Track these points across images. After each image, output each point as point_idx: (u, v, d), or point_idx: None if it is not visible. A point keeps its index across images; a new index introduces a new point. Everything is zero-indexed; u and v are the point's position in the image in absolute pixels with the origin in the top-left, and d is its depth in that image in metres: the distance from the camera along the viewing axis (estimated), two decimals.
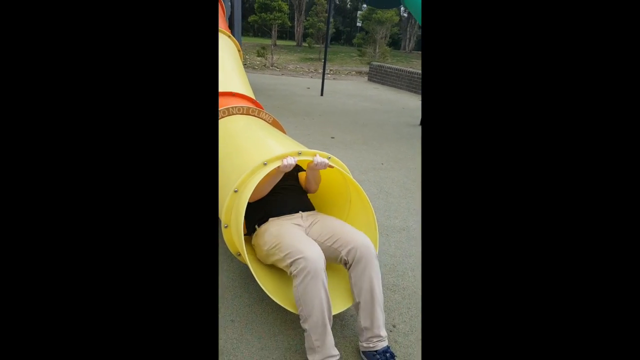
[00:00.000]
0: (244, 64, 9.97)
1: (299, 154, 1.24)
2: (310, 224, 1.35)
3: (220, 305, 1.36)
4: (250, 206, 1.34)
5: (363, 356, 1.15)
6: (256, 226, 1.36)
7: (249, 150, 1.40)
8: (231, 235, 1.21)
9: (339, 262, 1.24)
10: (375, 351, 1.12)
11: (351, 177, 1.35)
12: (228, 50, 2.28)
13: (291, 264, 1.11)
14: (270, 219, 1.34)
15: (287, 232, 1.22)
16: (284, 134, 1.72)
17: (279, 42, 22.48)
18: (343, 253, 1.20)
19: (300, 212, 1.40)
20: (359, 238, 1.21)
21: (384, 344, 1.14)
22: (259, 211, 1.38)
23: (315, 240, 1.24)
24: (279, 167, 1.21)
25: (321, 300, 1.08)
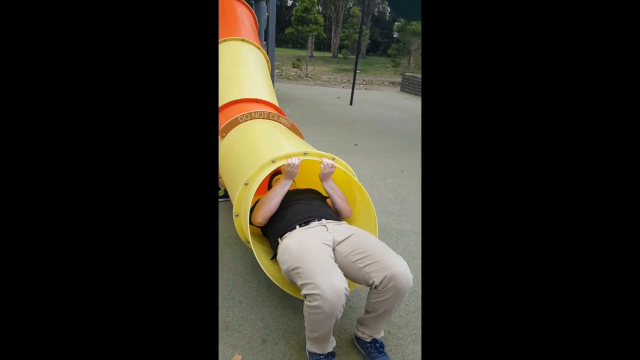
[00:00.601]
0: (280, 75, 10.38)
1: (305, 154, 1.37)
2: (341, 237, 1.22)
3: (231, 288, 1.50)
4: (271, 223, 1.37)
5: (355, 342, 1.23)
6: (279, 239, 1.27)
7: (262, 150, 1.55)
8: (241, 223, 1.36)
9: (365, 284, 1.12)
10: (367, 342, 1.19)
11: (355, 178, 1.45)
12: (256, 61, 2.48)
13: (306, 295, 1.01)
14: (289, 233, 1.25)
15: (307, 254, 1.09)
16: (299, 138, 1.85)
17: (316, 54, 23.03)
18: (375, 278, 1.06)
19: (323, 219, 1.30)
20: (400, 266, 1.06)
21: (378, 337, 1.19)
22: (278, 225, 1.32)
23: (344, 256, 1.15)
24: (284, 168, 1.29)
25: (330, 328, 1.03)
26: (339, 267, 1.09)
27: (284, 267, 1.15)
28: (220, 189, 2.32)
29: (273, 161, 1.32)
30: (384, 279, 1.05)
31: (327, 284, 0.97)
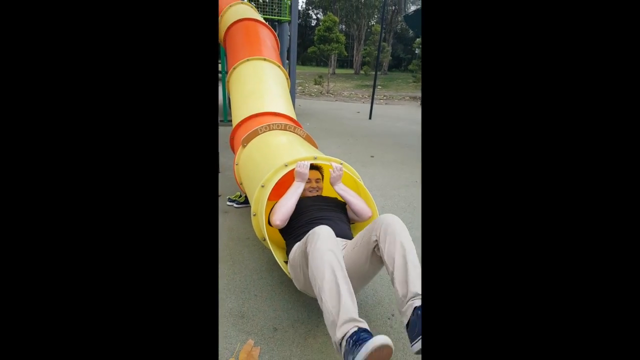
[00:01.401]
0: (302, 92, 10.76)
1: (315, 158, 1.51)
2: (345, 246, 1.31)
3: (248, 283, 1.64)
4: (293, 231, 1.44)
5: (405, 329, 1.02)
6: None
7: (277, 156, 1.71)
8: (258, 222, 1.50)
9: (374, 251, 1.16)
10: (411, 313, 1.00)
11: (361, 182, 1.58)
12: (276, 78, 2.69)
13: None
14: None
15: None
16: (312, 146, 2.00)
17: (338, 71, 23.52)
18: (373, 236, 1.15)
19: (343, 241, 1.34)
20: (384, 217, 1.17)
21: (417, 302, 0.99)
22: (300, 234, 1.37)
23: (350, 249, 1.26)
24: (295, 171, 1.41)
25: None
26: (348, 269, 1.12)
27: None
28: (241, 196, 2.50)
29: (286, 165, 1.47)
30: (376, 229, 1.15)
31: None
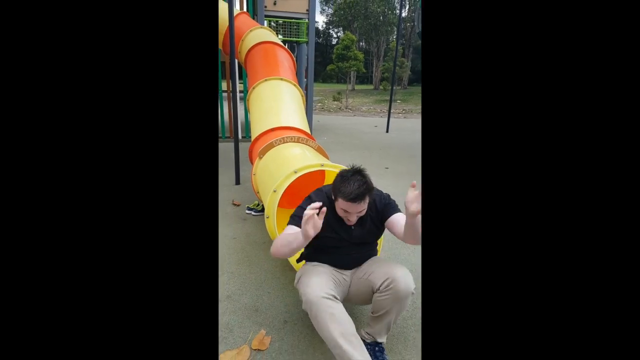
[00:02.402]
0: (321, 108, 11.06)
1: (322, 165, 1.65)
2: (354, 271, 1.32)
3: (262, 282, 1.78)
4: (313, 247, 1.29)
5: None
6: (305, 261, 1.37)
7: (289, 164, 1.87)
8: (271, 224, 1.66)
9: (371, 293, 1.22)
10: (368, 343, 1.28)
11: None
12: (291, 95, 2.89)
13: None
14: (311, 264, 1.31)
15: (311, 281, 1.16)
16: (322, 157, 2.16)
17: (358, 87, 23.85)
18: (378, 281, 1.17)
19: (352, 269, 1.32)
20: (400, 271, 1.17)
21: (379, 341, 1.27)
22: (316, 255, 1.33)
23: (358, 278, 1.26)
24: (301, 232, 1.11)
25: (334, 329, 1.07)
26: (352, 290, 1.27)
27: (295, 281, 1.30)
28: (258, 204, 2.68)
29: (295, 172, 1.62)
30: (384, 281, 1.16)
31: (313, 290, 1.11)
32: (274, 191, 1.64)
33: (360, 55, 13.01)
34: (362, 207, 1.16)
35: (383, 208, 1.28)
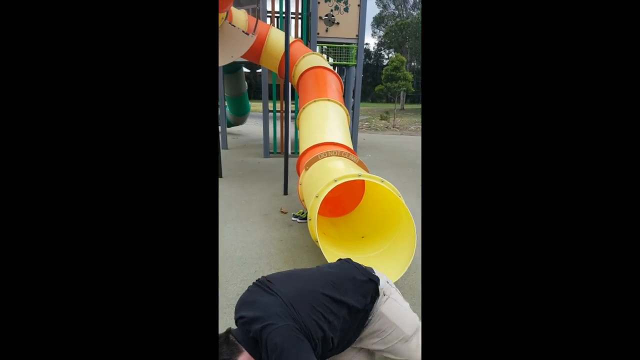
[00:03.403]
0: (368, 127, 11.27)
1: (359, 175, 1.86)
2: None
3: None
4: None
5: None
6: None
7: (331, 175, 2.10)
8: (312, 225, 1.88)
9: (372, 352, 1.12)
10: None
11: (402, 200, 1.86)
12: (337, 114, 3.17)
13: None
14: None
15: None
16: (362, 169, 2.36)
17: (408, 106, 23.70)
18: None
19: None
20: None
21: None
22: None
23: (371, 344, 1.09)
24: None
25: None
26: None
27: None
28: (303, 212, 2.93)
29: (335, 180, 1.85)
30: None
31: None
32: (316, 197, 1.87)
33: (410, 76, 13.09)
34: None
35: None
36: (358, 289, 1.06)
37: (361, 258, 2.02)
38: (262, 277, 1.06)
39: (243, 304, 0.99)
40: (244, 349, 0.90)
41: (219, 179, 4.04)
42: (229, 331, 0.95)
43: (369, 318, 1.07)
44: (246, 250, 2.34)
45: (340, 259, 1.22)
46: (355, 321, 1.05)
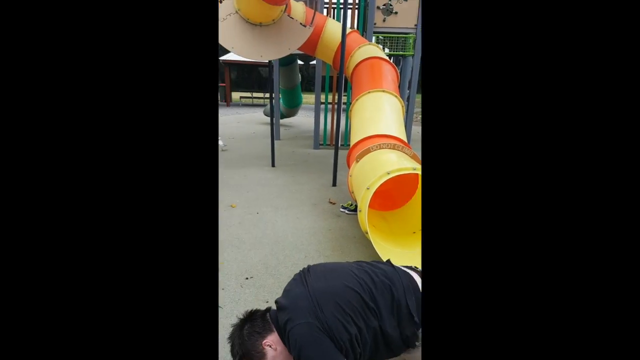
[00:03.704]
0: None
1: (414, 169, 1.80)
2: None
3: None
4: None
5: None
6: None
7: (383, 167, 2.06)
8: (362, 217, 1.88)
9: None
10: None
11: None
12: (392, 106, 3.08)
13: None
14: None
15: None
16: (417, 163, 2.29)
17: None
18: None
19: None
20: None
21: None
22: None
23: None
24: None
25: None
26: None
27: None
28: (352, 204, 2.93)
29: (388, 173, 1.81)
30: None
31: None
32: (367, 189, 1.86)
33: None
34: None
35: None
36: (400, 317, 0.99)
37: (411, 254, 1.97)
38: (308, 265, 1.12)
39: (284, 290, 1.07)
40: (275, 330, 0.98)
41: (271, 168, 4.19)
42: (268, 309, 1.05)
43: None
44: (297, 237, 2.41)
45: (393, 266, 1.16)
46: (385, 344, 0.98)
